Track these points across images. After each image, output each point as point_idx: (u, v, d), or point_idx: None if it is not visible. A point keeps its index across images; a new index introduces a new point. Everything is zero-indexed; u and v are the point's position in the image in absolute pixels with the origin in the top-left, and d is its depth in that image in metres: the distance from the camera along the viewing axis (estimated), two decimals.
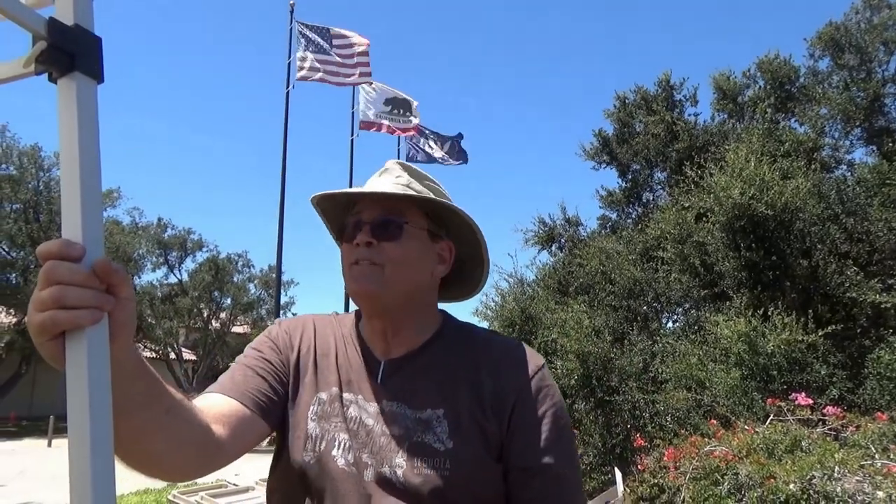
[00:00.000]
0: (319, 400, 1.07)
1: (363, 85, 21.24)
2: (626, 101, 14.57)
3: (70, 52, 0.65)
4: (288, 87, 20.03)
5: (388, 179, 1.12)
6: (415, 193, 1.08)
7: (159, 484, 8.57)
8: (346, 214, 1.14)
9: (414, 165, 1.17)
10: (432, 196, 1.09)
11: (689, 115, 14.07)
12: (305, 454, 1.02)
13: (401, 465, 0.97)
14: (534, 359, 1.06)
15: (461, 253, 1.16)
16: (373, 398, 1.05)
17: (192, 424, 0.88)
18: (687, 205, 10.10)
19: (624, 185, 14.88)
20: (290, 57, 20.19)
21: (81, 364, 0.62)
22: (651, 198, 14.79)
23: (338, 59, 19.75)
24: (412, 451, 0.97)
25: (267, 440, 1.10)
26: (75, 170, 0.63)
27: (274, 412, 1.05)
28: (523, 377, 1.02)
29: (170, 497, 6.52)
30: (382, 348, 1.10)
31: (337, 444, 1.01)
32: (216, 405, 0.99)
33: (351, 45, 20.00)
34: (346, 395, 1.06)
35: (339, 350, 1.13)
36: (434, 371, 1.06)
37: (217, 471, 0.97)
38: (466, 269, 1.18)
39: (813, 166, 9.72)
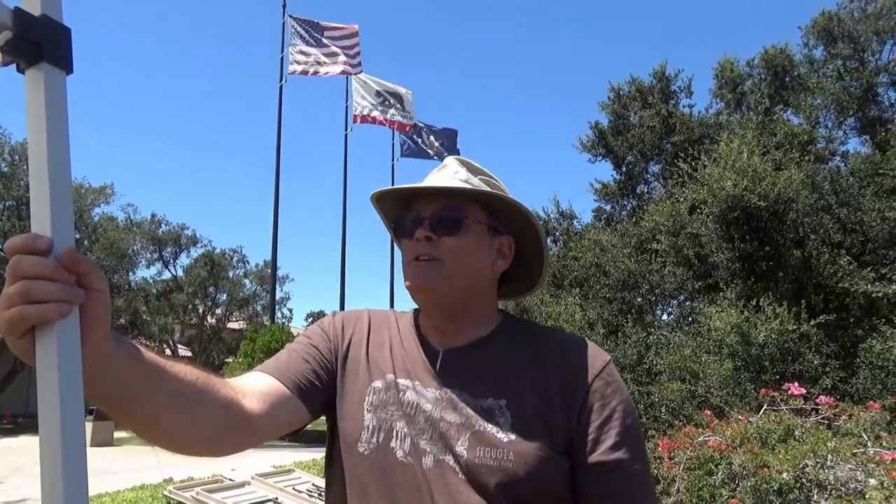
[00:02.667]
0: (374, 389, 1.05)
1: (356, 79, 21.24)
2: (621, 92, 14.56)
3: (37, 43, 0.64)
4: (281, 81, 20.02)
5: (447, 175, 1.11)
6: (472, 188, 1.07)
7: (155, 479, 8.57)
8: (402, 212, 1.14)
9: (471, 160, 1.16)
10: (489, 189, 1.08)
11: (684, 106, 14.09)
12: (361, 445, 1.01)
13: (462, 454, 0.95)
14: (600, 355, 1.05)
15: (521, 248, 1.15)
16: (431, 384, 1.03)
17: (209, 404, 0.87)
18: (681, 198, 10.12)
19: (619, 177, 14.90)
20: (283, 51, 20.17)
21: (51, 359, 0.61)
22: (646, 190, 14.82)
23: (330, 49, 19.75)
24: (474, 440, 0.95)
25: (274, 438, 1.07)
26: (43, 162, 0.62)
27: (315, 397, 1.04)
28: (591, 373, 1.01)
29: (165, 492, 6.51)
30: (440, 341, 1.09)
31: (395, 434, 1.00)
32: (255, 383, 0.99)
33: (342, 38, 20.01)
34: (401, 381, 1.05)
35: (395, 341, 1.11)
36: (496, 361, 1.04)
37: (253, 446, 0.97)
38: (525, 264, 1.17)
39: (807, 157, 9.75)
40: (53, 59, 0.65)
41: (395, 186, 1.12)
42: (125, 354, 0.75)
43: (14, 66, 0.66)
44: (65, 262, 0.62)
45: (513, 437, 0.95)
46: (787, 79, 12.59)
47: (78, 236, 19.81)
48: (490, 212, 1.10)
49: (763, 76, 12.81)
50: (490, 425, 0.96)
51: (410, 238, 1.07)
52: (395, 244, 1.22)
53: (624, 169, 14.77)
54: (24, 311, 0.61)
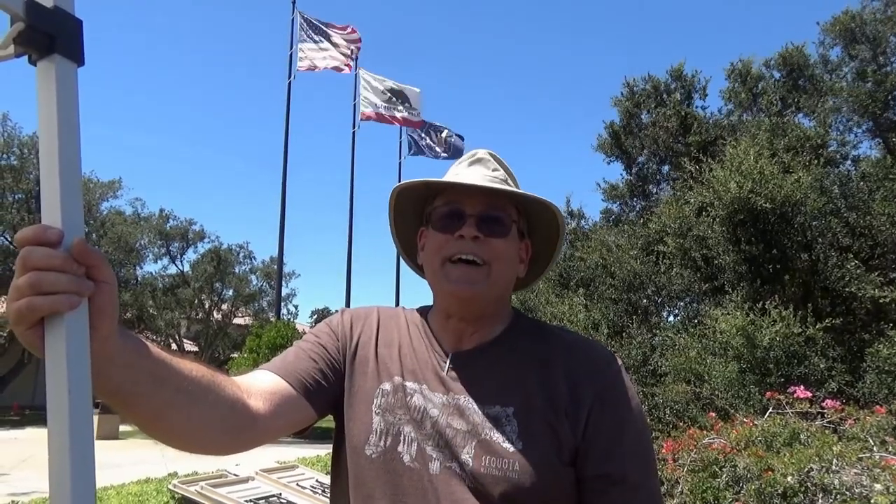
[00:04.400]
0: (383, 392, 1.03)
1: (363, 77, 21.29)
2: (635, 89, 14.35)
3: (49, 34, 0.64)
4: (290, 77, 20.05)
5: (485, 172, 1.07)
6: (535, 196, 1.04)
7: (160, 473, 8.62)
8: (418, 206, 1.11)
9: (500, 156, 1.13)
10: (543, 199, 1.05)
11: (698, 107, 13.96)
12: (368, 448, 0.99)
13: (467, 462, 0.94)
14: (611, 359, 1.02)
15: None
16: (438, 388, 1.01)
17: (214, 401, 0.86)
18: (690, 200, 10.08)
19: (628, 177, 14.77)
20: (291, 48, 20.20)
21: (60, 350, 0.61)
22: (656, 191, 14.72)
23: (335, 44, 19.86)
24: (480, 449, 0.94)
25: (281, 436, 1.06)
26: (54, 154, 0.62)
27: (321, 397, 1.02)
28: (600, 379, 0.98)
29: (170, 486, 6.55)
30: (453, 343, 1.06)
31: (402, 438, 0.98)
32: (260, 382, 0.98)
33: (347, 35, 20.15)
34: (409, 384, 1.03)
35: (404, 341, 1.09)
36: (504, 366, 1.02)
37: (257, 446, 0.96)
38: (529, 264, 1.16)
39: (817, 161, 9.67)
40: (65, 50, 0.65)
41: (449, 181, 1.05)
42: (131, 349, 0.75)
43: (25, 58, 0.66)
44: (75, 254, 0.62)
45: (519, 446, 0.94)
46: (800, 80, 12.45)
47: (86, 230, 19.68)
48: (522, 215, 1.08)
49: (778, 77, 12.65)
50: (496, 434, 0.95)
51: (450, 233, 1.01)
52: (396, 243, 1.18)
53: (634, 170, 14.65)
54: (33, 303, 0.61)
